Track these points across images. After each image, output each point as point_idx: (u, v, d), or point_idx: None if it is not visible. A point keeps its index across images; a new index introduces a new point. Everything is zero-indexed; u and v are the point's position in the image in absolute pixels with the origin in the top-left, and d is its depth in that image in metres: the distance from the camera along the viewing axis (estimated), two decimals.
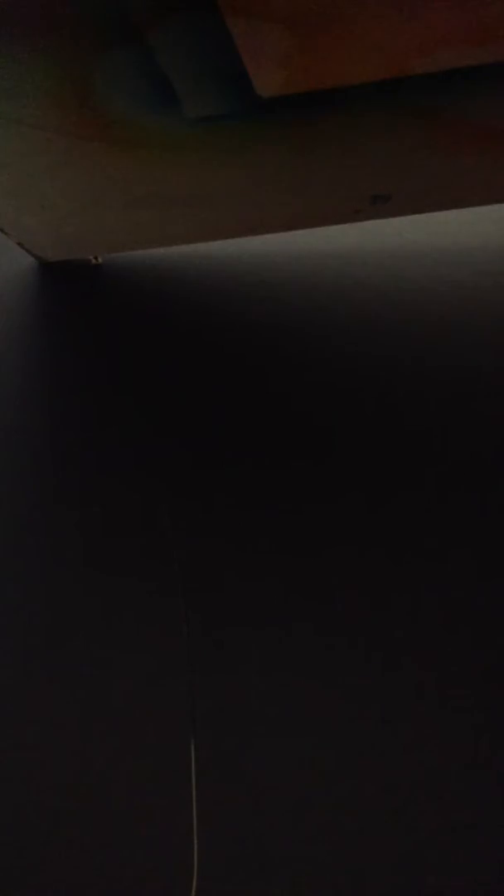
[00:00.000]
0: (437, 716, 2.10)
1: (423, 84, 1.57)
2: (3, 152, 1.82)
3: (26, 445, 2.38)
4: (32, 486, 2.36)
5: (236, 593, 2.22)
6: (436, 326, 2.28)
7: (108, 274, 2.44)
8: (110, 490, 2.33)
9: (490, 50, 1.45)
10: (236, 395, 2.33)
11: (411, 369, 2.27)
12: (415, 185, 2.00)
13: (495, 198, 2.14)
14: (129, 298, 2.43)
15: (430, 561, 2.17)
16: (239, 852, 2.11)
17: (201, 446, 2.31)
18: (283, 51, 1.44)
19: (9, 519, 2.35)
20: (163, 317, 2.41)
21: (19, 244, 2.34)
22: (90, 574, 2.28)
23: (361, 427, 2.26)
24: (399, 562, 2.18)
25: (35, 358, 2.44)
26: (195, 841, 2.12)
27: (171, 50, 1.48)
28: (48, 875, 2.17)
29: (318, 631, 2.17)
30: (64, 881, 2.16)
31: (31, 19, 1.43)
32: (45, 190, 2.01)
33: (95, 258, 2.45)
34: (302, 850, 2.09)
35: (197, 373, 2.36)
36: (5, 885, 2.18)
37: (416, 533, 2.19)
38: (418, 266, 2.32)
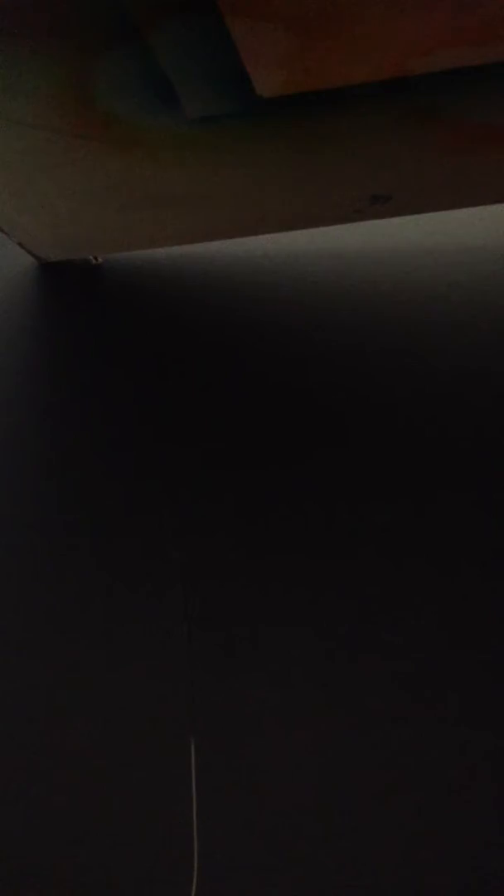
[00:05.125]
0: (436, 716, 2.10)
1: (423, 84, 1.57)
2: (3, 152, 1.82)
3: (26, 444, 2.38)
4: (33, 484, 2.36)
5: (236, 593, 2.22)
6: (436, 326, 2.28)
7: (108, 274, 2.44)
8: (110, 489, 2.33)
9: (490, 50, 1.45)
10: (236, 393, 2.33)
11: (411, 368, 2.27)
12: (415, 185, 2.00)
13: (495, 198, 2.14)
14: (129, 298, 2.43)
15: (431, 562, 2.17)
16: (239, 852, 2.11)
17: (201, 445, 2.31)
18: (283, 51, 1.44)
19: (8, 518, 2.35)
20: (163, 316, 2.41)
21: (19, 244, 2.34)
22: (90, 573, 2.28)
23: (362, 425, 2.26)
24: (400, 563, 2.18)
25: (35, 357, 2.44)
26: (195, 841, 2.12)
27: (171, 50, 1.48)
28: (49, 874, 2.17)
29: (318, 631, 2.17)
30: (64, 881, 2.16)
31: (31, 19, 1.43)
32: (45, 190, 2.01)
33: (95, 258, 2.45)
34: (301, 849, 2.09)
35: (197, 372, 2.36)
36: (5, 884, 2.18)
37: (416, 533, 2.19)
38: (418, 266, 2.32)
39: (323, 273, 2.35)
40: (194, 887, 2.10)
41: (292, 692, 2.15)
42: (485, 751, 2.08)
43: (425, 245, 2.33)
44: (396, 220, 2.31)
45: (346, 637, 2.16)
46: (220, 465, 2.29)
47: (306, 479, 2.25)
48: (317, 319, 2.33)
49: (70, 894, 2.16)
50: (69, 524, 2.32)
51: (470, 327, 2.27)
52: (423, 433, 2.23)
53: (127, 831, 2.16)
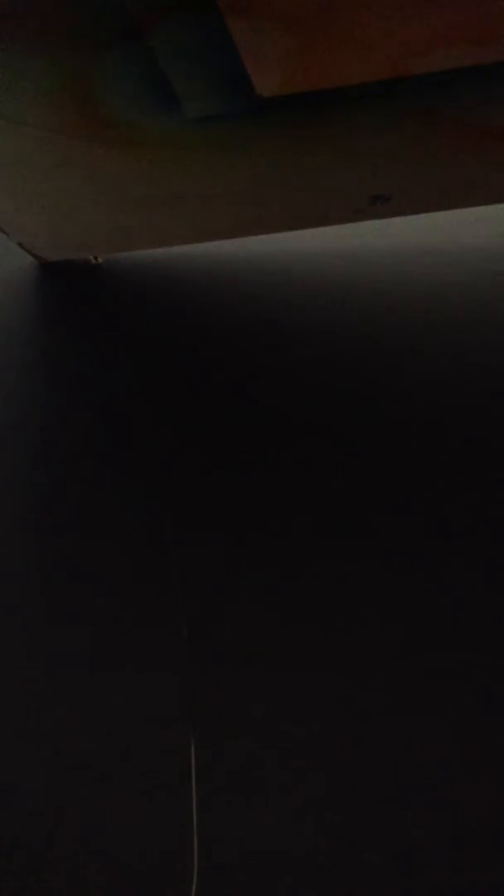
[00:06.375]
0: (436, 715, 2.10)
1: (423, 84, 1.57)
2: (3, 152, 1.82)
3: (26, 444, 2.38)
4: (32, 484, 2.36)
5: (236, 592, 2.22)
6: (436, 326, 2.28)
7: (108, 274, 2.44)
8: (110, 488, 2.33)
9: (490, 50, 1.45)
10: (236, 393, 2.33)
11: (412, 368, 2.27)
12: (415, 185, 2.00)
13: (495, 198, 2.14)
14: (129, 298, 2.44)
15: (433, 562, 2.17)
16: (239, 852, 2.11)
17: (201, 446, 2.31)
18: (283, 51, 1.44)
19: (7, 518, 2.35)
20: (163, 316, 2.41)
21: (19, 244, 2.34)
22: (89, 573, 2.28)
23: (361, 425, 2.26)
24: (401, 565, 2.18)
25: (35, 357, 2.44)
26: (195, 841, 2.12)
27: (171, 50, 1.48)
28: (49, 874, 2.17)
29: (318, 632, 2.17)
30: (64, 881, 2.16)
31: (30, 19, 1.43)
32: (45, 190, 2.01)
33: (95, 258, 2.45)
34: (302, 850, 2.09)
35: (197, 372, 2.36)
36: (6, 885, 2.18)
37: (417, 533, 2.19)
38: (418, 266, 2.32)
39: (323, 273, 2.35)
40: (194, 887, 2.10)
41: (293, 692, 2.15)
42: (487, 750, 2.08)
43: (425, 245, 2.33)
44: (396, 220, 2.31)
45: (347, 637, 2.16)
46: (221, 465, 2.29)
47: (306, 479, 2.25)
48: (317, 319, 2.33)
49: (70, 894, 2.16)
50: (68, 523, 2.32)
51: (470, 327, 2.27)
52: (423, 433, 2.23)
53: (126, 831, 2.16)
